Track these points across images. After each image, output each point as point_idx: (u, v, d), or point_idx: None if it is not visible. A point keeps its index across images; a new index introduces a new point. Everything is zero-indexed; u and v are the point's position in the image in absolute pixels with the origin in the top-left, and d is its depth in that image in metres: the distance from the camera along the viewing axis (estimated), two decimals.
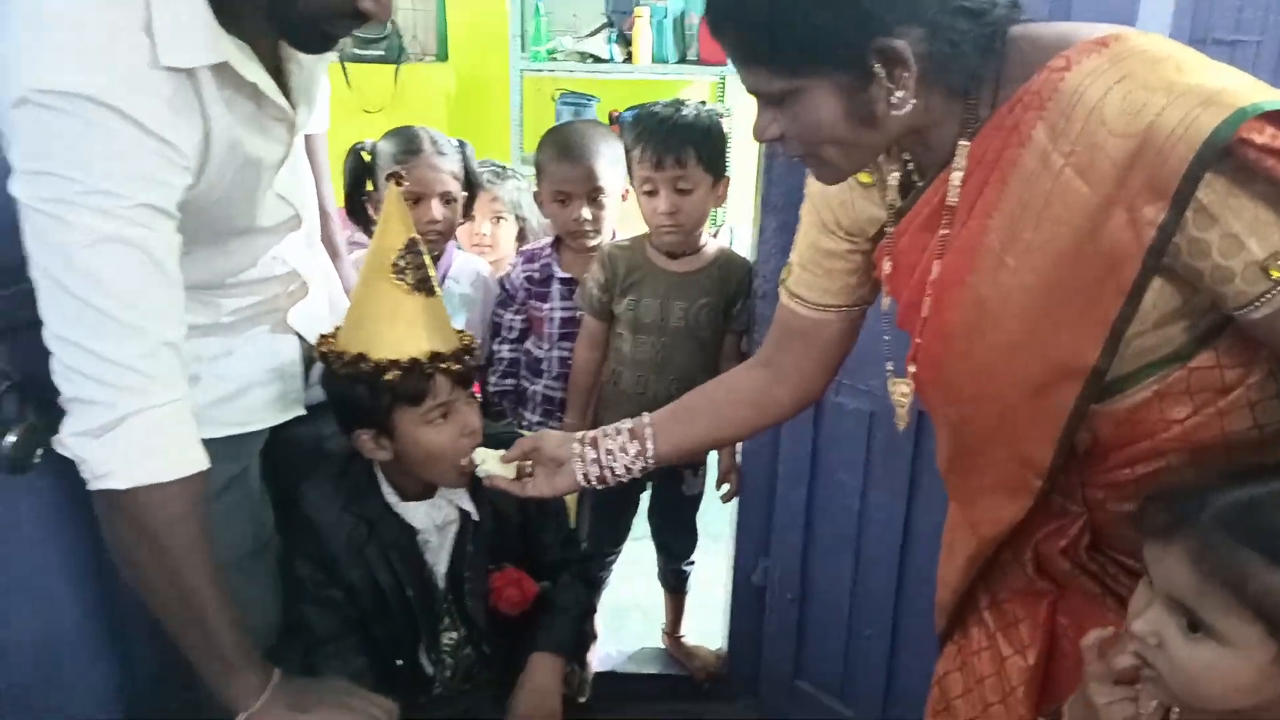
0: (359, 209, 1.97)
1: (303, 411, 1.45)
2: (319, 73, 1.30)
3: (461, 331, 1.39)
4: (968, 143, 0.97)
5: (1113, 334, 0.93)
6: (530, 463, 1.31)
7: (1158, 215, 0.86)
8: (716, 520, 2.18)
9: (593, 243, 1.93)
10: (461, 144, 2.01)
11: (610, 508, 2.04)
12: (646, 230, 1.87)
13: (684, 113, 1.79)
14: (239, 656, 1.15)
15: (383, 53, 4.20)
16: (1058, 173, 0.91)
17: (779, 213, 1.74)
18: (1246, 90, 0.83)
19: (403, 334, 1.29)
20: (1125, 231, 0.88)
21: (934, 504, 1.67)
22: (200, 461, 1.12)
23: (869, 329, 1.51)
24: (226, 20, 1.07)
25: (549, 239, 2.03)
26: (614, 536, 2.09)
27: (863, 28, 0.89)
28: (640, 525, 2.14)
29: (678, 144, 1.74)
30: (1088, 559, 1.10)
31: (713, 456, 2.02)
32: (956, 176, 0.98)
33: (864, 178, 1.11)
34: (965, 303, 1.01)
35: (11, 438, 1.30)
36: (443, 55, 4.41)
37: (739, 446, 1.94)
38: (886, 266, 1.11)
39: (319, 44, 1.11)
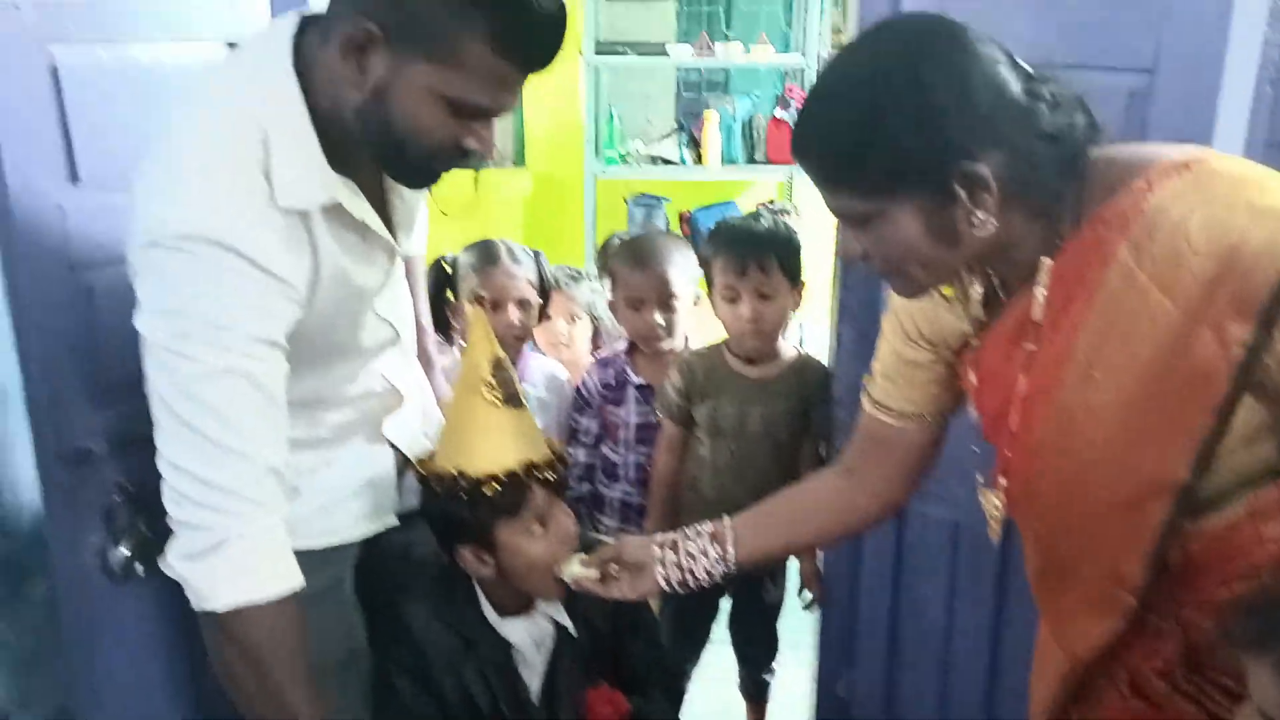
0: (441, 318, 2.04)
1: (395, 522, 1.48)
2: (420, 202, 1.37)
3: (550, 440, 1.42)
4: (1050, 260, 0.99)
5: (1202, 450, 0.93)
6: (614, 566, 1.32)
7: (1245, 334, 0.87)
8: (798, 629, 2.15)
9: (665, 347, 1.96)
10: (536, 253, 2.09)
11: (689, 615, 2.02)
12: (721, 337, 1.90)
13: (763, 222, 1.84)
14: None
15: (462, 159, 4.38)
16: (1143, 291, 0.92)
17: (856, 321, 1.75)
18: None
19: (497, 447, 1.32)
20: (1212, 349, 0.89)
21: (1024, 618, 1.63)
22: (294, 580, 1.15)
23: (953, 438, 1.51)
24: (336, 162, 1.14)
25: (623, 345, 2.07)
26: (693, 644, 2.07)
27: (946, 153, 0.91)
28: (720, 631, 2.12)
29: (759, 252, 1.79)
30: (1184, 680, 1.06)
31: (794, 563, 2.01)
32: (1040, 293, 1.00)
33: (946, 290, 1.13)
34: (1052, 417, 1.02)
35: (124, 549, 1.36)
36: (520, 160, 4.58)
37: (820, 554, 1.93)
38: (972, 379, 1.12)
39: (425, 181, 1.18)
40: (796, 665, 2.17)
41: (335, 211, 1.16)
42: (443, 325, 2.06)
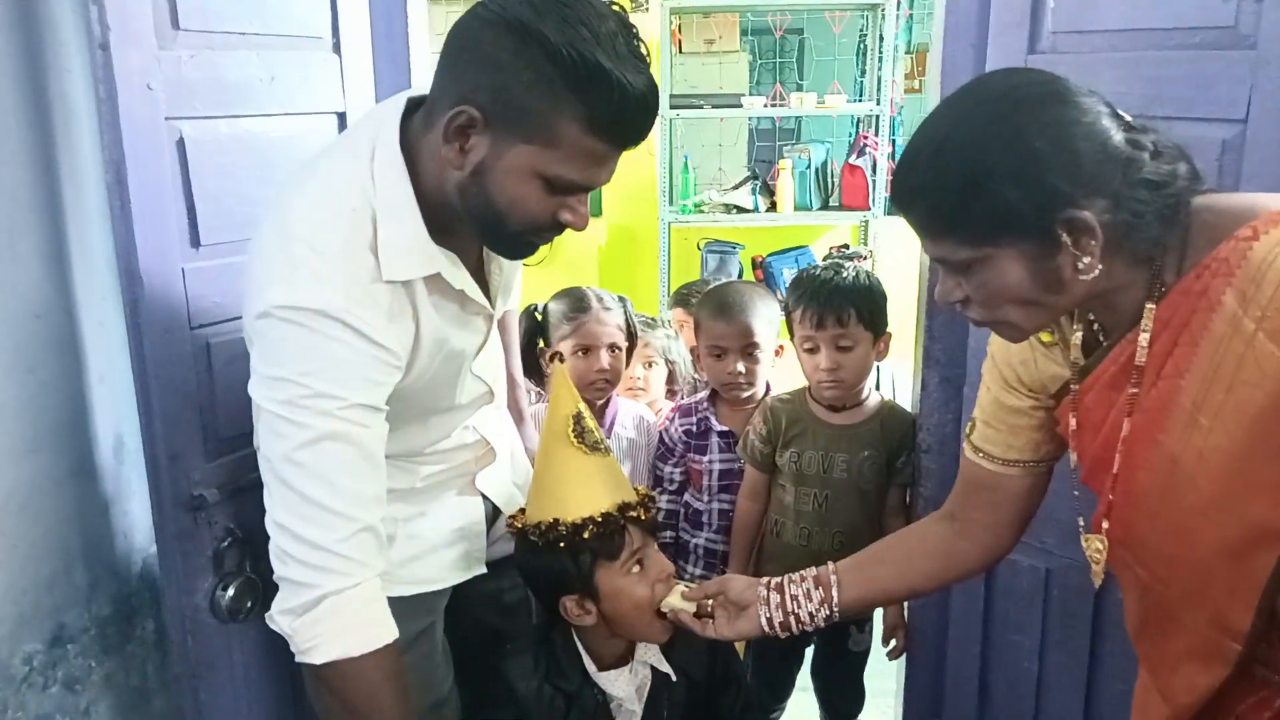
0: (533, 365, 2.09)
1: (484, 570, 1.52)
2: (517, 269, 1.43)
3: (636, 486, 1.45)
4: (1153, 306, 1.00)
5: None
6: (710, 603, 1.32)
7: None
8: (884, 676, 2.13)
9: (746, 394, 1.98)
10: (623, 299, 2.13)
11: (774, 661, 2.02)
12: (804, 386, 1.92)
13: (843, 274, 1.86)
14: None
15: None
16: (1250, 337, 0.92)
17: (941, 367, 1.76)
18: None
19: (589, 492, 1.35)
20: None
21: (1120, 668, 1.60)
22: (390, 634, 1.18)
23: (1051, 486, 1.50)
24: (437, 233, 1.19)
25: (705, 393, 2.10)
26: (778, 692, 2.07)
27: (1051, 201, 0.93)
28: (804, 678, 2.11)
29: (838, 303, 1.81)
30: None
31: (878, 612, 1.99)
32: (1144, 338, 1.01)
33: (1045, 336, 1.14)
34: (1157, 462, 1.02)
35: (231, 590, 1.42)
36: (595, 210, 4.66)
37: (906, 603, 1.92)
38: (1072, 423, 1.12)
39: (522, 253, 1.23)
40: (883, 715, 2.15)
41: (436, 282, 1.22)
42: (535, 372, 2.10)
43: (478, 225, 1.17)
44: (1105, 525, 1.10)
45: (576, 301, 2.05)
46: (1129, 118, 0.98)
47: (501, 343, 1.66)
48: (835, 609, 1.30)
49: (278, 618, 1.17)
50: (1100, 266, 0.96)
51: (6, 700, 1.42)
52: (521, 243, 1.20)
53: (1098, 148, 0.94)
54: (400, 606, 1.30)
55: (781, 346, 2.03)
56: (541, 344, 2.09)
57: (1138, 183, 0.94)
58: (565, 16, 1.04)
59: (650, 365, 2.41)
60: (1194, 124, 1.37)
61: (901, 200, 1.03)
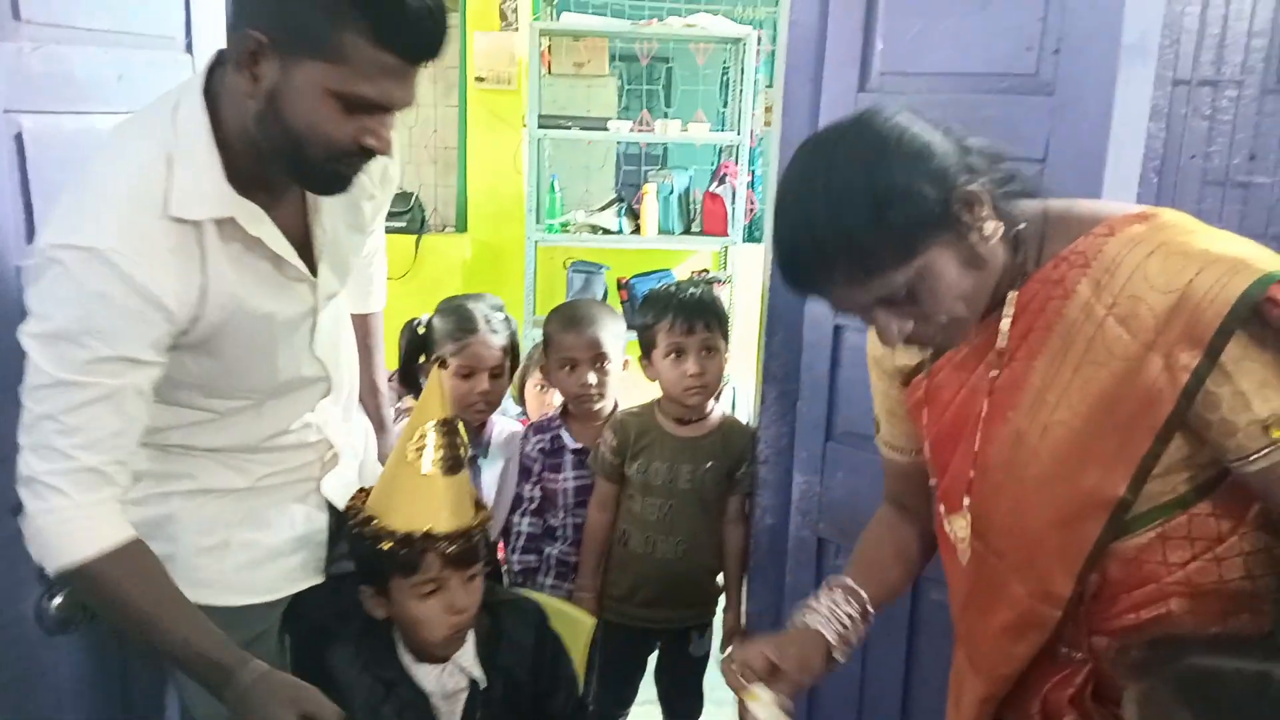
0: (413, 379, 2.06)
1: (321, 579, 1.50)
2: (348, 238, 1.39)
3: (481, 510, 1.43)
4: (1015, 293, 1.10)
5: (1140, 470, 1.03)
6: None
7: (1192, 361, 0.98)
8: (724, 687, 2.19)
9: (598, 407, 2.03)
10: (508, 319, 2.08)
11: (619, 670, 2.07)
12: (652, 400, 2.00)
13: (698, 289, 1.97)
14: (208, 663, 1.20)
15: (405, 224, 4.46)
16: (1100, 322, 1.04)
17: (778, 382, 1.86)
18: (1267, 259, 0.98)
19: (412, 509, 1.36)
20: (1161, 375, 1.00)
21: (935, 665, 1.72)
22: (108, 541, 1.18)
23: (866, 491, 1.60)
24: (243, 183, 1.20)
25: (556, 411, 2.13)
26: (622, 699, 2.11)
27: (941, 187, 1.01)
28: (647, 690, 2.17)
29: (703, 312, 1.91)
30: (1094, 710, 1.13)
31: (717, 619, 2.07)
32: (1006, 323, 1.10)
33: None
34: (1004, 437, 1.11)
35: (59, 599, 1.38)
36: (461, 227, 4.67)
37: (744, 609, 2.00)
38: (923, 405, 1.21)
39: (333, 184, 1.21)
40: (721, 717, 2.22)
41: (233, 231, 1.21)
42: (416, 387, 2.05)
43: (281, 159, 1.17)
44: (967, 501, 1.17)
45: (464, 321, 1.98)
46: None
47: (363, 344, 1.66)
48: (871, 614, 1.29)
49: (25, 532, 1.20)
50: (1000, 227, 1.05)
51: None
52: (328, 172, 1.18)
53: (938, 138, 1.03)
54: (230, 616, 1.31)
55: (627, 361, 2.09)
56: (423, 359, 2.04)
57: (981, 155, 1.05)
58: None
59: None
60: None
61: (814, 273, 1.05)
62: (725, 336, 1.95)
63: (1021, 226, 1.09)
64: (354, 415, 1.60)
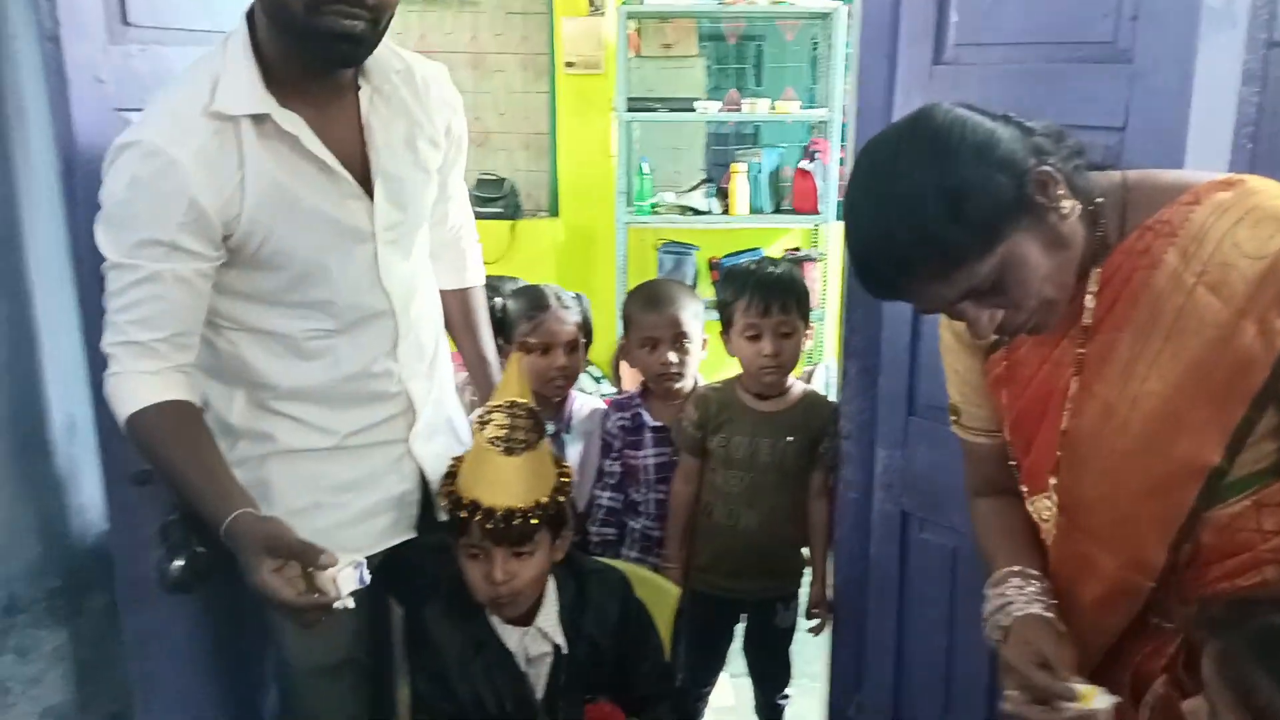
0: None
1: (413, 535, 1.59)
2: (410, 174, 1.46)
3: (550, 495, 1.47)
4: (1098, 270, 1.09)
5: (1234, 437, 1.03)
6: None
7: None
8: (816, 659, 2.23)
9: (678, 386, 2.07)
10: (579, 297, 2.19)
11: (705, 640, 2.11)
12: (733, 375, 2.02)
13: (779, 268, 1.98)
14: (216, 501, 1.30)
15: (499, 210, 4.56)
16: (1189, 290, 1.03)
17: (860, 358, 1.86)
18: None
19: (469, 476, 1.46)
20: (1255, 341, 1.00)
21: None
22: (142, 401, 1.31)
23: (947, 468, 1.60)
24: (284, 93, 1.32)
25: (637, 389, 2.17)
26: (709, 667, 2.16)
27: (1014, 172, 1.01)
28: (739, 662, 2.21)
29: (780, 293, 1.93)
30: (1186, 680, 1.12)
31: (803, 591, 2.09)
32: (1090, 299, 1.10)
33: None
34: (1091, 411, 1.11)
35: (180, 562, 1.49)
36: (554, 211, 4.74)
37: (829, 579, 2.01)
38: (1003, 387, 1.20)
39: (334, 46, 1.29)
40: (814, 694, 2.24)
41: (272, 130, 1.32)
42: None
43: (287, 43, 1.30)
44: (1053, 482, 1.17)
45: (535, 300, 2.10)
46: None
47: (466, 318, 1.74)
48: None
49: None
50: (1078, 204, 1.05)
51: None
52: (323, 29, 1.26)
53: (999, 126, 1.04)
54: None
55: (706, 340, 2.12)
56: (502, 340, 2.12)
57: (1047, 136, 1.05)
58: None
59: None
60: (1079, 132, 1.45)
61: (897, 275, 1.04)
62: (804, 316, 1.96)
63: (1099, 200, 1.08)
64: (442, 380, 1.65)
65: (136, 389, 1.32)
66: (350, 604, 1.23)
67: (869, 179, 1.07)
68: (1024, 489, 1.22)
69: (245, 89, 1.30)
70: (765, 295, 1.93)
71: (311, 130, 1.34)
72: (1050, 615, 1.16)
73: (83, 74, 1.43)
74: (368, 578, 1.25)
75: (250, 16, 1.34)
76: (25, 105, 1.54)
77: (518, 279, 2.36)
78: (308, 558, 1.22)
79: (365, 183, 1.41)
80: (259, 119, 1.31)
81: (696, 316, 2.07)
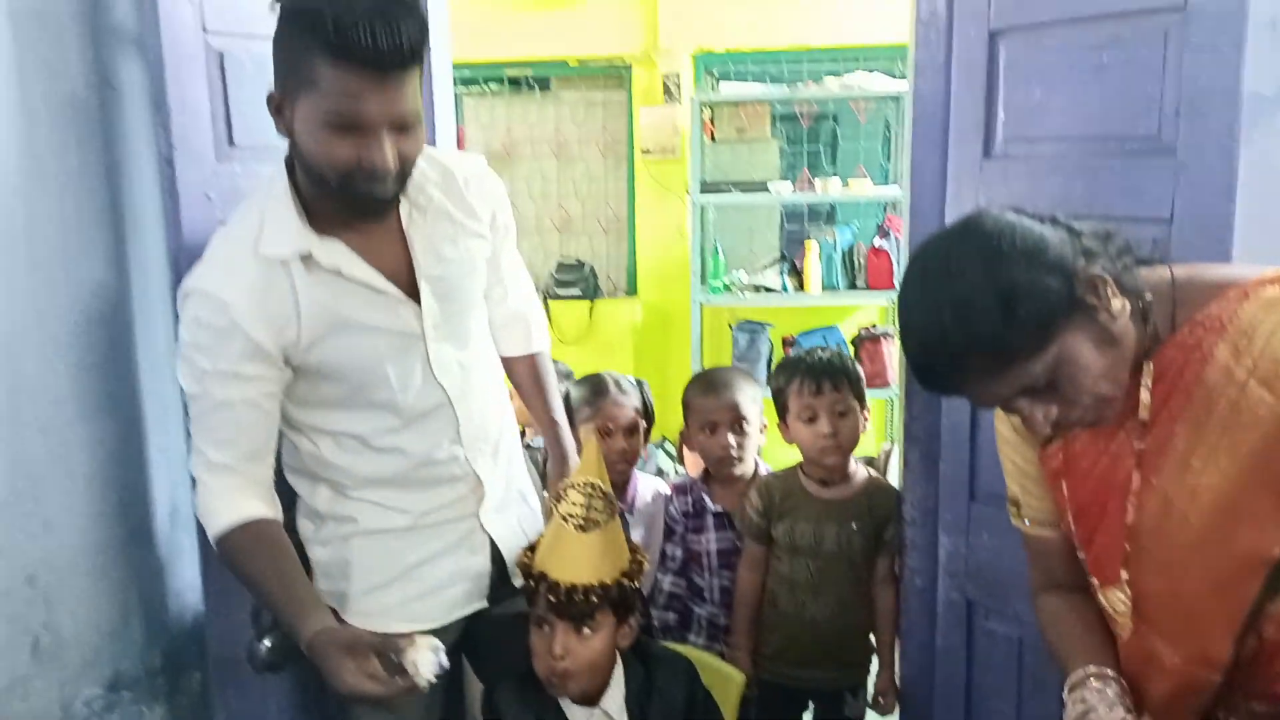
0: None
1: (484, 605, 1.66)
2: (456, 271, 1.54)
3: (625, 578, 1.52)
4: (1149, 362, 1.12)
5: None
6: None
7: None
8: None
9: (738, 471, 2.11)
10: (640, 382, 2.29)
11: None
12: (795, 463, 2.06)
13: (830, 353, 2.03)
14: (298, 613, 1.40)
15: (579, 291, 4.71)
16: (1242, 385, 1.05)
17: (920, 444, 1.89)
18: None
19: (543, 549, 1.53)
20: None
21: None
22: (234, 518, 1.42)
23: (1012, 557, 1.61)
24: (325, 224, 1.40)
25: (699, 474, 2.22)
26: None
27: (1064, 275, 1.05)
28: None
29: (833, 374, 1.98)
30: None
31: (870, 679, 2.09)
32: (1145, 393, 1.12)
33: None
34: (1150, 504, 1.13)
35: (268, 643, 1.59)
36: (632, 291, 4.88)
37: (898, 668, 2.01)
38: (1062, 481, 1.22)
39: (371, 209, 1.38)
40: None
41: (319, 265, 1.40)
42: None
43: (322, 192, 1.37)
44: (1125, 575, 1.17)
45: (595, 387, 2.21)
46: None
47: (534, 383, 1.83)
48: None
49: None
50: (1127, 303, 1.07)
51: None
52: (351, 194, 1.33)
53: (1048, 229, 1.08)
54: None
55: (765, 425, 2.17)
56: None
57: (1091, 239, 1.09)
58: None
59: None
60: (1127, 224, 1.49)
61: (949, 373, 1.09)
62: (859, 397, 2.00)
63: (1149, 297, 1.11)
64: (510, 457, 1.72)
65: (221, 510, 1.43)
66: (426, 683, 1.31)
67: (922, 281, 1.11)
68: (1094, 580, 1.22)
69: (287, 231, 1.39)
70: (817, 376, 1.98)
71: (355, 252, 1.43)
72: (1131, 718, 1.15)
73: (193, 191, 1.58)
74: (446, 663, 1.32)
75: (289, 162, 1.42)
76: (142, 219, 1.70)
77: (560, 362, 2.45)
78: (388, 648, 1.31)
79: (413, 286, 1.50)
80: (304, 255, 1.40)
81: (755, 401, 2.12)
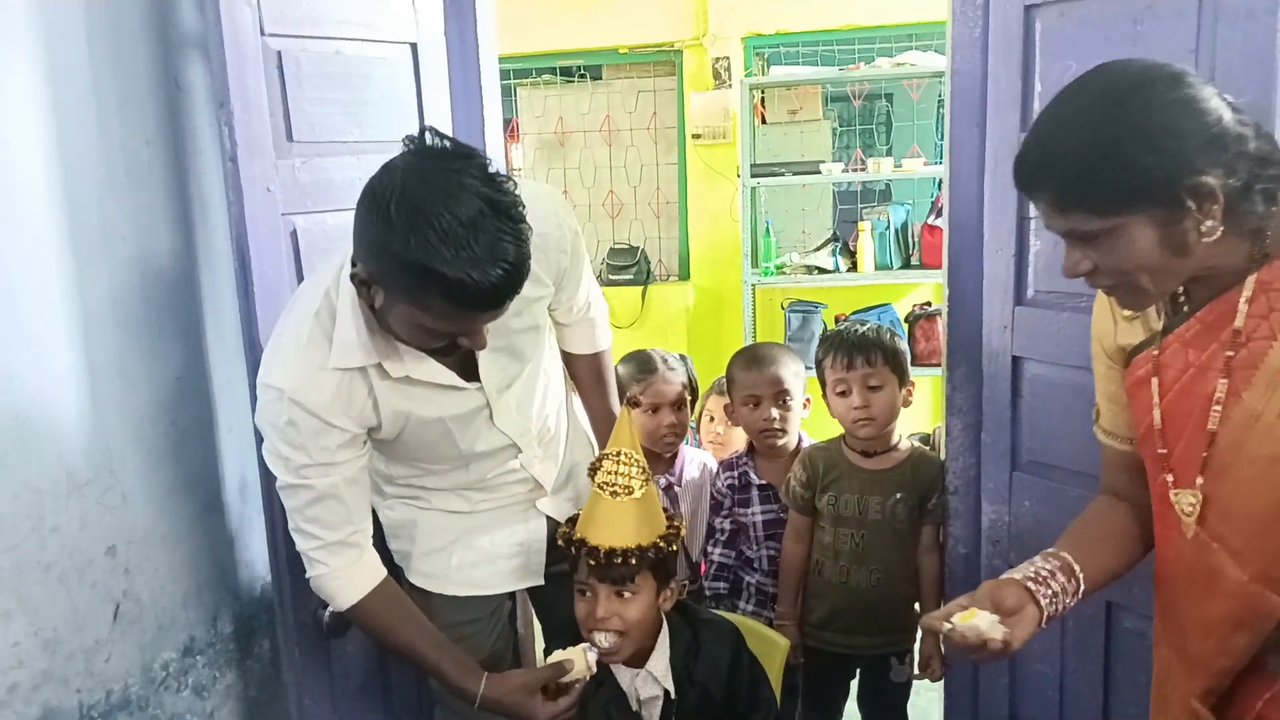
0: None
1: (538, 582, 1.76)
2: (520, 337, 1.60)
3: (654, 541, 1.56)
4: (1254, 276, 1.11)
5: None
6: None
7: None
8: (934, 714, 2.23)
9: (781, 443, 2.15)
10: (684, 358, 2.34)
11: (820, 693, 2.16)
12: (839, 435, 2.09)
13: (865, 327, 2.06)
14: (457, 675, 1.55)
15: (631, 276, 4.77)
16: None
17: (963, 414, 1.91)
18: None
19: (588, 520, 1.59)
20: None
21: (1133, 694, 1.70)
22: (364, 589, 1.54)
23: (1052, 520, 1.62)
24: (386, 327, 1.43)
25: (744, 448, 2.26)
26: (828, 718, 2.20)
27: (1178, 169, 1.03)
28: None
29: (864, 348, 2.01)
30: None
31: (917, 644, 2.12)
32: (1244, 304, 1.11)
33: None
34: (1237, 417, 1.12)
35: (329, 608, 1.68)
36: (684, 275, 4.92)
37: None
38: (1154, 388, 1.21)
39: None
40: None
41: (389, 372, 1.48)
42: None
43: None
44: (1200, 481, 1.16)
45: (643, 364, 2.27)
46: (1235, 102, 1.08)
47: (595, 379, 1.90)
48: (1081, 594, 1.28)
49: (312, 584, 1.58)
50: (1221, 229, 1.05)
51: (147, 698, 1.70)
52: (426, 349, 1.43)
53: (1214, 123, 1.04)
54: (451, 603, 1.66)
55: (809, 399, 2.20)
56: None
57: (1246, 156, 1.06)
58: (415, 224, 1.22)
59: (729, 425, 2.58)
60: None
61: (1031, 178, 1.12)
62: (897, 371, 2.01)
63: (1266, 219, 1.09)
64: (558, 454, 1.80)
65: (344, 586, 1.54)
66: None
67: (1068, 91, 1.11)
68: (1168, 478, 1.21)
69: (356, 347, 1.44)
70: (849, 351, 2.00)
71: (422, 354, 1.48)
72: (1016, 577, 1.25)
73: (255, 186, 1.67)
74: (595, 650, 1.55)
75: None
76: (208, 212, 1.80)
77: None
78: (558, 675, 1.53)
79: (475, 366, 1.56)
80: (375, 365, 1.47)
81: (797, 375, 2.16)
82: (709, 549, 2.23)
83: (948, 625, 1.22)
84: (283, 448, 1.46)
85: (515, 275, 1.27)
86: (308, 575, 1.55)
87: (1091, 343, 1.32)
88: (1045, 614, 1.23)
